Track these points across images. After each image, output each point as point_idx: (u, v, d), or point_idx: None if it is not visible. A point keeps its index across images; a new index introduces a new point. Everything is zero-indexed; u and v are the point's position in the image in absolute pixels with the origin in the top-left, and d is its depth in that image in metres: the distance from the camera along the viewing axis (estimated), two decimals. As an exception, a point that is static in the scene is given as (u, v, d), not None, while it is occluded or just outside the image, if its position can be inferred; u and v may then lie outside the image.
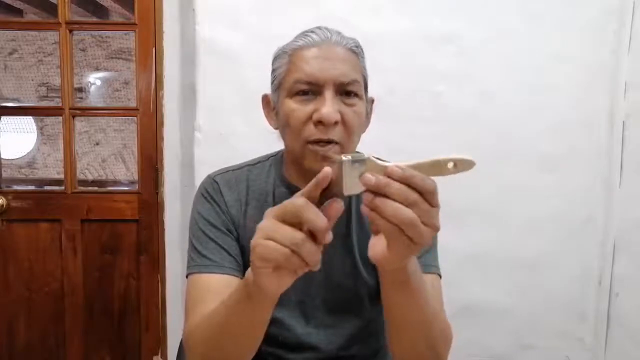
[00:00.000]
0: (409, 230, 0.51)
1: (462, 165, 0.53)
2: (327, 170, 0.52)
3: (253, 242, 0.55)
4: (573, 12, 1.67)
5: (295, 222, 0.52)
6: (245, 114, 1.62)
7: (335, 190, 0.53)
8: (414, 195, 0.51)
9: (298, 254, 0.52)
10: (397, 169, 0.51)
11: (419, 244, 0.53)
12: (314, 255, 0.52)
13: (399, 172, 0.51)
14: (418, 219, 0.51)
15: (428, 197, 0.52)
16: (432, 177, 0.53)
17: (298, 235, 0.52)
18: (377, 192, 0.51)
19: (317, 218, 0.52)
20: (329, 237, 0.53)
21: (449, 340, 0.78)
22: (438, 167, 0.53)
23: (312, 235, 0.52)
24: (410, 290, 0.66)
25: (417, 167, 0.53)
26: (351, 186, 0.52)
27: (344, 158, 0.52)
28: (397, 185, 0.51)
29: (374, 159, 0.53)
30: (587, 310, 1.78)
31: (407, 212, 0.51)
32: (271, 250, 0.52)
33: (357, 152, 0.77)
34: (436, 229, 0.53)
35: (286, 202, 0.54)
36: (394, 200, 0.51)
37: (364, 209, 0.53)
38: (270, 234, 0.53)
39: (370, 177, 0.51)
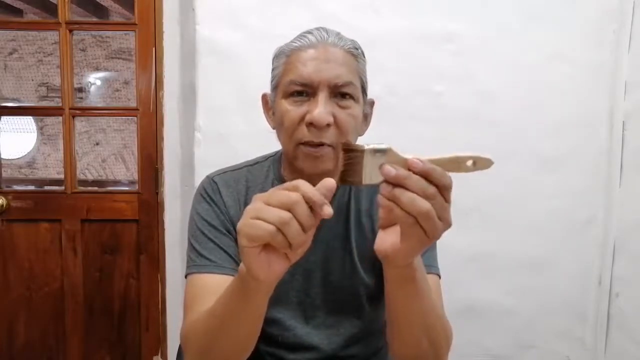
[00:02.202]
0: (424, 222, 0.52)
1: (480, 163, 0.54)
2: (331, 182, 0.53)
3: (239, 224, 0.55)
4: (573, 12, 1.67)
5: (283, 208, 0.53)
6: (245, 114, 1.62)
7: (354, 179, 0.54)
8: (431, 189, 0.52)
9: (283, 233, 0.52)
10: (419, 161, 0.52)
11: (432, 237, 0.54)
12: (299, 236, 0.53)
13: (420, 165, 0.52)
14: (434, 211, 0.52)
15: (444, 192, 0.53)
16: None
17: (284, 214, 0.52)
18: (397, 183, 0.52)
19: (314, 191, 0.53)
20: (328, 210, 0.53)
21: (450, 339, 0.78)
22: (457, 164, 0.54)
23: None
24: (415, 287, 0.66)
25: (436, 162, 0.54)
26: (371, 176, 0.53)
27: (365, 147, 0.53)
28: (416, 178, 0.52)
29: (395, 150, 0.54)
30: (587, 310, 1.78)
31: (425, 204, 0.52)
32: (257, 227, 0.53)
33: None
34: (449, 224, 0.54)
35: (275, 189, 0.55)
36: (413, 192, 0.51)
37: (381, 199, 0.53)
38: (257, 213, 0.53)
39: (391, 169, 0.52)
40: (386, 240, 0.58)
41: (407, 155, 0.53)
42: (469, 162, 0.54)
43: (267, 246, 0.55)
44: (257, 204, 0.55)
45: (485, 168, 0.54)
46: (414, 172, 0.52)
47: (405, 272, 0.63)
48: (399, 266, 0.62)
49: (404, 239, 0.56)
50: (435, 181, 0.52)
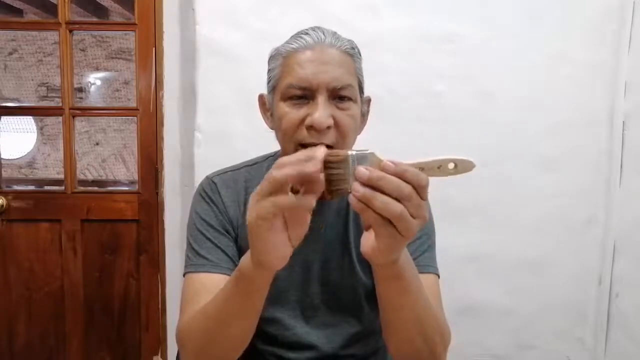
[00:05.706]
0: (398, 223, 0.53)
1: (462, 166, 0.54)
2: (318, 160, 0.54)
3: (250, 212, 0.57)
4: (573, 12, 1.67)
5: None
6: (245, 114, 1.62)
7: (341, 188, 0.54)
8: (407, 189, 0.52)
9: (298, 207, 0.54)
10: (391, 164, 0.53)
11: (407, 236, 0.54)
12: (310, 202, 0.54)
13: (393, 167, 0.52)
14: (407, 212, 0.52)
15: (420, 191, 0.53)
16: (433, 177, 0.54)
17: (289, 199, 0.54)
18: (371, 185, 0.52)
19: (300, 165, 0.54)
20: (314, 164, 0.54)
21: (446, 338, 0.78)
22: (439, 168, 0.55)
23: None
24: (403, 285, 0.66)
25: (417, 166, 0.54)
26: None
27: (349, 152, 0.53)
28: (391, 178, 0.52)
29: (378, 154, 0.54)
30: (587, 310, 1.78)
31: (397, 206, 0.52)
32: (265, 211, 0.55)
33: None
34: (425, 220, 0.55)
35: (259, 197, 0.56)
36: (388, 194, 0.52)
37: (352, 200, 0.53)
38: (262, 212, 0.55)
39: (364, 171, 0.52)
40: (367, 240, 0.58)
41: (383, 158, 0.53)
42: (450, 165, 0.54)
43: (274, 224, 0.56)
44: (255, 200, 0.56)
45: (467, 171, 0.54)
46: (388, 174, 0.52)
47: (391, 270, 0.64)
48: (383, 265, 0.63)
49: (378, 238, 0.56)
50: (410, 181, 0.52)
